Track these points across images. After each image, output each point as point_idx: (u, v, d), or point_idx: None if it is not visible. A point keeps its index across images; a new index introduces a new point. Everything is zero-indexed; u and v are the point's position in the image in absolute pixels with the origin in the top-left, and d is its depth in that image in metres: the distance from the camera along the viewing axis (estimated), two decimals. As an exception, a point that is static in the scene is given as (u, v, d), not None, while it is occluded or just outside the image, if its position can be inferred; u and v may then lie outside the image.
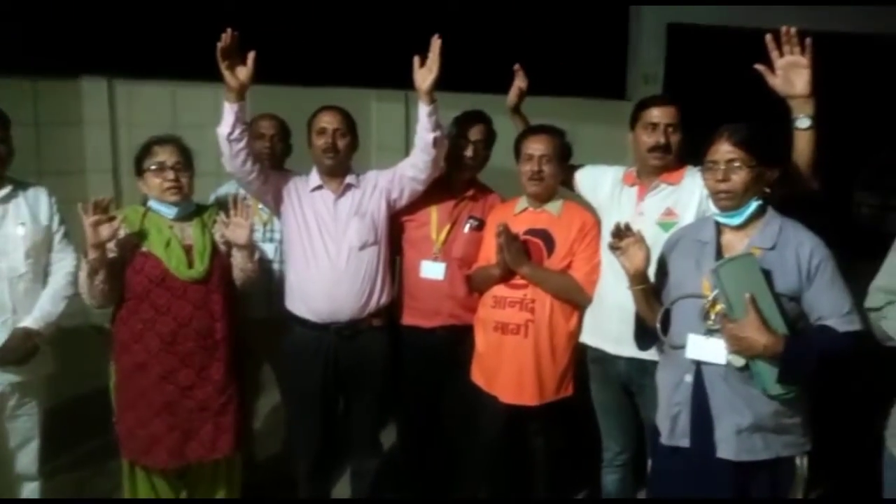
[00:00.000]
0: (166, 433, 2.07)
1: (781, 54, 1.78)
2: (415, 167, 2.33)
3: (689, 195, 2.06)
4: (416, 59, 2.21)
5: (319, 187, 2.35)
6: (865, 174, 5.76)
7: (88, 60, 4.60)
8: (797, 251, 1.65)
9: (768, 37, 1.80)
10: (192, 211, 2.16)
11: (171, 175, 2.07)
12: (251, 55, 2.13)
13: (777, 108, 1.86)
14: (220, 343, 2.11)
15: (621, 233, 1.82)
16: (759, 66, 1.81)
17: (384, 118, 4.72)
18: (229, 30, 2.08)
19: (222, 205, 2.25)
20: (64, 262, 2.23)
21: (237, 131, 2.15)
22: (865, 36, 4.89)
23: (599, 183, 2.32)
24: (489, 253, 2.29)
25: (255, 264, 2.18)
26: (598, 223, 2.28)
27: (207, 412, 2.10)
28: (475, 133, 2.41)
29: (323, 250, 2.28)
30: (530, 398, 2.23)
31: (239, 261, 2.16)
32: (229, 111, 2.14)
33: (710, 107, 2.29)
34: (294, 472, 2.46)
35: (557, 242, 2.26)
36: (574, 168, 2.41)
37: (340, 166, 2.34)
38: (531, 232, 2.28)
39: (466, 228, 2.43)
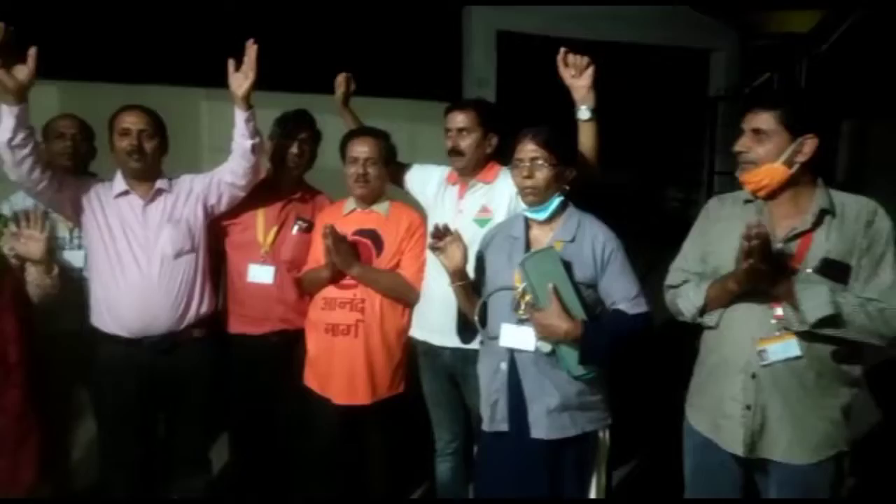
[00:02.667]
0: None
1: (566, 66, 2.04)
2: (234, 173, 2.25)
3: (501, 193, 2.19)
4: (231, 63, 2.14)
5: (125, 193, 2.20)
6: (671, 172, 6.47)
7: None
8: (593, 243, 1.81)
9: (559, 57, 2.03)
10: None
11: None
12: (31, 52, 1.92)
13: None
14: (14, 367, 1.91)
15: (440, 233, 1.89)
16: (559, 60, 2.02)
17: (215, 118, 4.50)
18: (2, 24, 1.86)
19: (14, 215, 2.03)
20: None
21: (19, 136, 1.95)
22: (673, 48, 5.49)
23: (427, 182, 2.41)
24: (318, 255, 2.28)
25: (55, 279, 2.00)
26: (424, 222, 2.35)
27: (3, 444, 1.89)
28: (299, 133, 2.38)
29: (132, 260, 2.14)
30: (363, 398, 2.24)
31: (34, 276, 1.96)
32: (8, 115, 1.93)
33: (540, 109, 2.43)
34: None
35: (386, 242, 2.30)
36: (405, 166, 2.47)
37: (148, 170, 2.21)
38: (360, 232, 2.30)
39: (295, 230, 2.40)
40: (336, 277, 2.25)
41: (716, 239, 1.77)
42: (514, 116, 2.28)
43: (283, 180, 2.42)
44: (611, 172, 2.14)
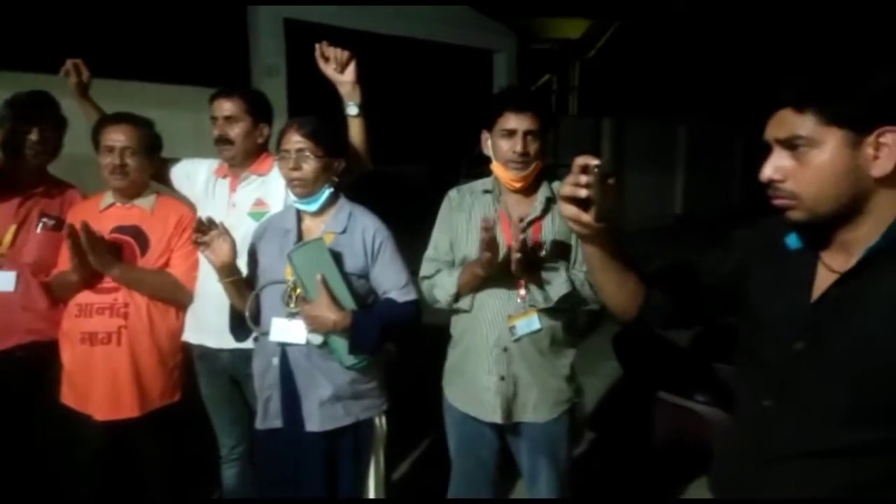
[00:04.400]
0: None
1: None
2: None
3: (277, 185, 2.13)
4: None
5: None
6: (466, 165, 6.84)
7: None
8: (363, 234, 1.84)
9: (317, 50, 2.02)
10: None
11: None
12: None
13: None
14: None
15: (204, 226, 1.80)
16: (318, 55, 2.02)
17: None
18: None
19: None
20: None
21: None
22: (460, 47, 5.76)
23: (193, 176, 2.27)
24: (68, 255, 2.03)
25: None
26: (195, 217, 2.21)
27: None
28: (38, 118, 2.13)
29: None
30: (130, 410, 2.07)
31: None
32: None
33: (334, 99, 2.41)
34: None
35: (152, 240, 2.13)
36: (168, 162, 2.30)
37: None
38: (120, 229, 2.10)
39: (39, 228, 2.14)
40: (90, 280, 2.03)
41: (461, 229, 1.90)
42: (307, 106, 2.24)
43: (20, 172, 2.14)
44: (405, 165, 2.20)
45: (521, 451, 1.94)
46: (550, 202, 1.84)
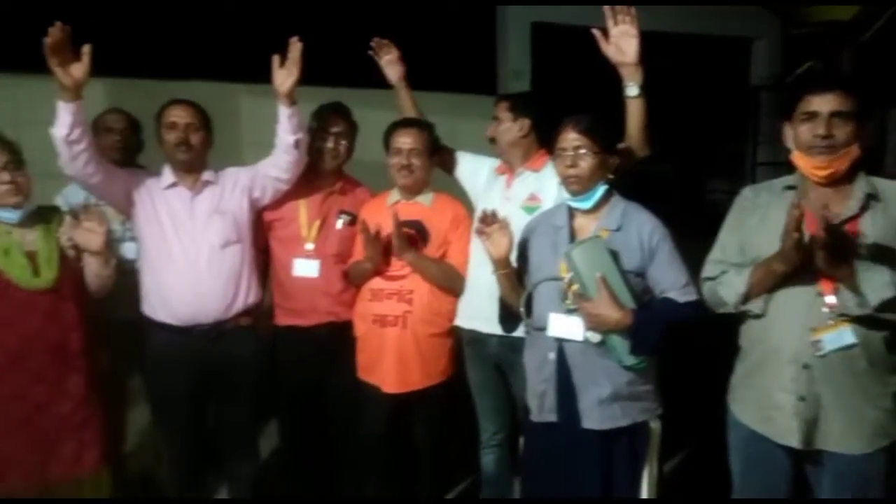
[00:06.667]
0: (23, 455, 1.92)
1: (616, 23, 1.99)
2: (277, 167, 2.29)
3: (549, 181, 2.17)
4: (276, 59, 2.17)
5: (174, 185, 2.25)
6: (716, 164, 6.37)
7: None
8: (639, 231, 1.79)
9: (606, 8, 1.99)
10: (33, 215, 1.99)
11: (6, 177, 1.90)
12: (86, 49, 1.97)
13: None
14: (76, 354, 1.97)
15: (488, 219, 1.89)
16: (595, 32, 2.00)
17: (255, 114, 4.57)
18: (58, 23, 1.90)
19: (73, 210, 2.09)
20: None
21: (76, 132, 2.00)
22: (714, 37, 5.39)
23: (477, 172, 2.42)
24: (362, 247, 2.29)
25: (112, 269, 2.06)
26: (469, 213, 2.36)
27: (68, 428, 1.96)
28: (335, 125, 2.41)
29: (180, 251, 2.19)
30: (411, 385, 2.26)
31: (94, 267, 2.02)
32: (65, 111, 1.98)
33: (575, 100, 2.43)
34: (167, 482, 2.35)
35: (431, 233, 2.31)
36: (455, 154, 2.49)
37: (195, 162, 2.26)
38: (404, 223, 2.29)
39: (339, 224, 2.43)
40: (381, 269, 2.27)
41: (754, 229, 1.74)
42: (551, 107, 2.28)
43: (321, 173, 2.44)
44: (652, 164, 2.12)
45: (823, 486, 1.71)
46: (871, 199, 1.61)
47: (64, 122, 1.99)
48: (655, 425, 1.84)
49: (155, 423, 2.39)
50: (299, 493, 2.54)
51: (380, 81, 2.63)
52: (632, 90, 1.99)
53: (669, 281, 1.78)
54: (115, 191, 2.20)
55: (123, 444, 2.58)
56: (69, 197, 2.45)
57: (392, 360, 2.25)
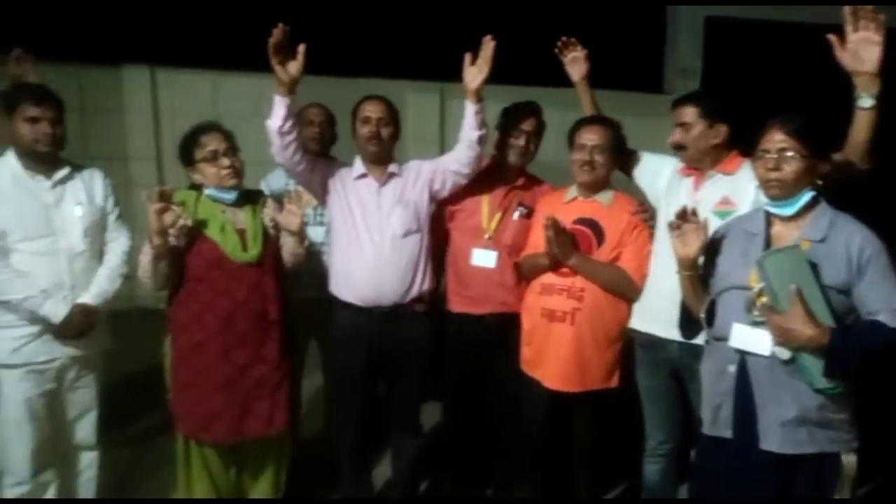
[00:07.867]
0: (225, 410, 2.15)
1: (856, 29, 1.78)
2: (458, 162, 2.38)
3: (745, 185, 2.05)
4: (468, 57, 2.25)
5: (363, 175, 2.41)
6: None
7: (131, 49, 4.74)
8: (847, 244, 1.63)
9: (847, 8, 1.79)
10: (242, 196, 2.22)
11: (226, 162, 2.14)
12: (301, 49, 2.15)
13: (815, 100, 1.86)
14: (273, 323, 2.19)
15: (686, 216, 1.83)
16: (831, 37, 1.81)
17: (420, 110, 4.77)
18: (281, 25, 2.10)
19: (277, 194, 2.31)
20: (118, 242, 2.35)
21: (288, 124, 2.21)
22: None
23: (658, 173, 2.34)
24: (537, 240, 2.31)
25: (304, 249, 2.26)
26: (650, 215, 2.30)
27: (264, 389, 2.18)
28: (526, 123, 2.44)
29: (367, 237, 2.33)
30: (574, 385, 2.25)
31: (290, 246, 2.23)
32: (280, 104, 2.19)
33: (749, 99, 2.29)
34: (336, 449, 2.53)
35: (607, 233, 2.27)
36: (635, 155, 2.42)
37: (384, 155, 2.40)
38: (580, 221, 2.30)
39: (516, 216, 2.47)
40: (556, 264, 2.27)
41: None
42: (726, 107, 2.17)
43: (507, 168, 2.49)
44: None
45: None
46: None
47: (279, 114, 2.20)
48: (849, 459, 1.67)
49: (330, 392, 2.58)
50: (454, 476, 2.63)
51: (552, 79, 2.64)
52: (865, 101, 1.80)
53: (880, 302, 1.60)
54: (314, 179, 2.40)
55: (299, 409, 2.81)
56: (271, 182, 2.73)
57: (556, 356, 2.25)
